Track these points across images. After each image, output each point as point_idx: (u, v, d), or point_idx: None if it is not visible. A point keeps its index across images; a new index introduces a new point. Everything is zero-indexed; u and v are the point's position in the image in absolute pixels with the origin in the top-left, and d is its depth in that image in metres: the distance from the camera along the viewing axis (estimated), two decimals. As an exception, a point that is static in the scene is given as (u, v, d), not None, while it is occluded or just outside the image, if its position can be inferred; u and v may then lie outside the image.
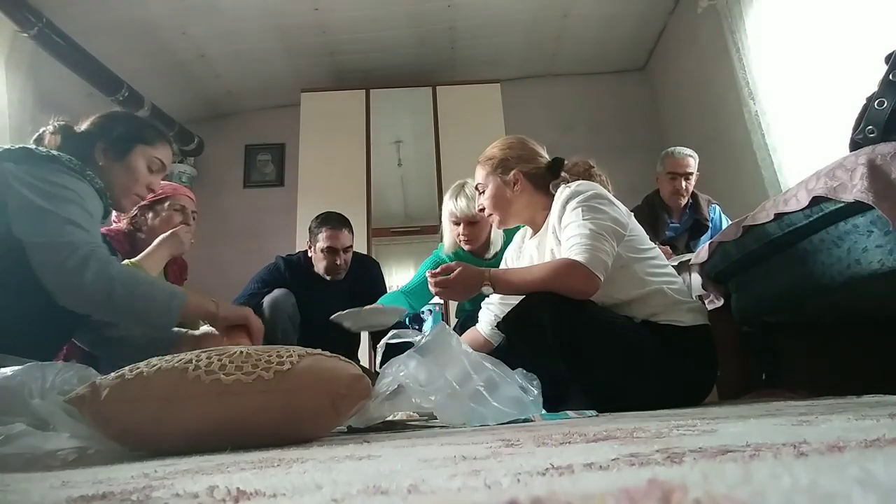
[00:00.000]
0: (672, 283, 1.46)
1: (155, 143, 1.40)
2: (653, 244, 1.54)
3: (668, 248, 2.47)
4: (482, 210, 1.65)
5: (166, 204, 1.88)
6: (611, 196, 1.48)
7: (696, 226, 2.72)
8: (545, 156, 1.62)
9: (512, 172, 1.56)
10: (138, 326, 1.36)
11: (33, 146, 1.22)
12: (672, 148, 2.74)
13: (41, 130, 1.32)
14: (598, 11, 3.75)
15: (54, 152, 1.21)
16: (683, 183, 2.64)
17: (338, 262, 2.30)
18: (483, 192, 1.62)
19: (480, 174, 1.63)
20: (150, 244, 1.79)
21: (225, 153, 4.51)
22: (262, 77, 4.16)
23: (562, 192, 1.48)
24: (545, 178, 1.58)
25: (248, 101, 4.44)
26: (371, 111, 3.92)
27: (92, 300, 1.11)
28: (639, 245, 1.46)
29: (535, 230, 1.61)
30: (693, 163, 2.67)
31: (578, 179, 1.58)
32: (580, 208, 1.39)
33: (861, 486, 0.20)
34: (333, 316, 1.90)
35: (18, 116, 2.96)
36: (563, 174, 1.59)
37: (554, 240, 1.47)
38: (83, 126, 1.36)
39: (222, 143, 4.50)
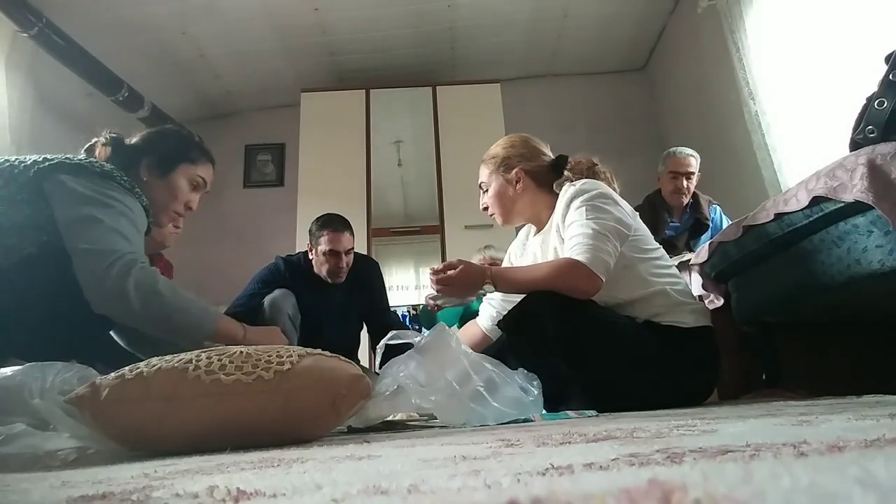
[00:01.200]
0: (675, 283, 1.46)
1: (198, 162, 1.43)
2: (657, 244, 1.53)
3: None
4: (485, 209, 1.65)
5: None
6: (615, 195, 1.47)
7: (697, 225, 2.73)
8: (549, 154, 1.62)
9: (514, 171, 1.56)
10: (168, 338, 1.39)
11: (85, 157, 1.24)
12: (674, 147, 2.75)
13: (93, 141, 1.35)
14: (598, 11, 3.75)
15: (107, 167, 1.23)
16: (685, 182, 2.65)
17: (340, 265, 2.29)
18: (486, 190, 1.63)
19: (484, 172, 1.63)
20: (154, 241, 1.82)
21: (225, 153, 4.49)
22: (262, 77, 4.16)
23: (566, 191, 1.47)
24: (548, 177, 1.58)
25: (248, 101, 4.44)
26: (371, 111, 3.92)
27: (129, 309, 1.14)
28: (643, 245, 1.46)
29: (539, 228, 1.61)
30: (695, 163, 2.68)
31: (582, 178, 1.58)
32: (584, 207, 1.39)
33: (861, 486, 0.20)
34: (428, 294, 2.06)
35: (18, 116, 2.96)
36: (566, 173, 1.59)
37: (558, 238, 1.47)
38: (133, 140, 1.38)
39: (222, 143, 4.48)
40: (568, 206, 1.43)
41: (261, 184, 4.46)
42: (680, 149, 2.73)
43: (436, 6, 3.60)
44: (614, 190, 1.69)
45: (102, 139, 1.34)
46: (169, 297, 1.17)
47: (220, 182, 4.38)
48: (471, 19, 3.75)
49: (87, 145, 1.35)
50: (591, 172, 1.83)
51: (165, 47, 3.68)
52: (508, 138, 1.66)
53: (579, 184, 1.47)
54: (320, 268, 2.31)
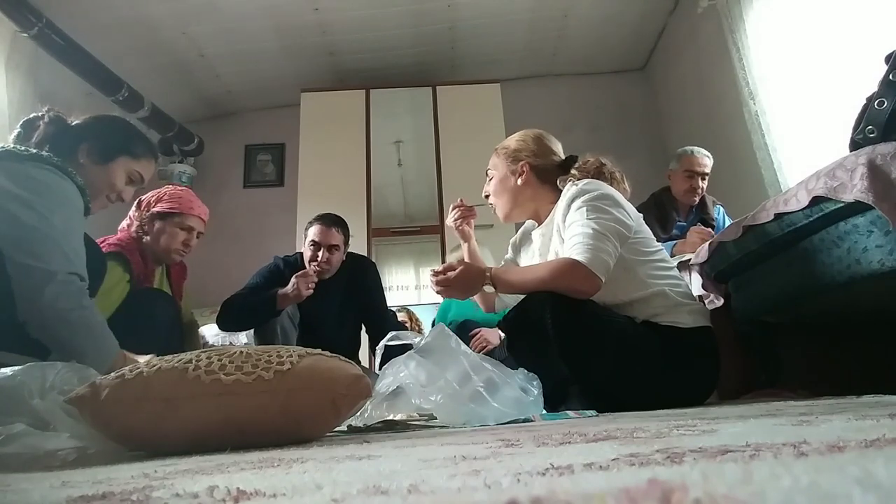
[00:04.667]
0: (676, 285, 1.46)
1: (140, 157, 1.43)
2: (660, 246, 1.53)
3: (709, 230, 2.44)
4: (487, 197, 1.67)
5: (176, 219, 1.88)
6: (617, 196, 1.47)
7: (703, 224, 2.72)
8: (560, 154, 1.63)
9: (520, 164, 1.58)
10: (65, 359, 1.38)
11: (13, 146, 1.23)
12: (690, 147, 2.73)
13: (31, 116, 1.34)
14: (598, 11, 3.75)
15: (34, 150, 1.22)
16: (699, 182, 2.64)
17: (318, 258, 2.23)
18: (491, 178, 1.65)
19: (493, 160, 1.67)
20: (154, 251, 1.85)
21: (225, 153, 4.50)
22: (262, 77, 4.16)
23: (567, 191, 1.48)
24: (553, 174, 1.59)
25: (248, 101, 4.44)
26: (371, 111, 3.92)
27: (45, 329, 1.14)
28: (644, 247, 1.46)
29: (539, 223, 1.62)
30: (709, 163, 2.67)
31: (587, 178, 1.58)
32: (585, 208, 1.39)
33: (861, 486, 0.20)
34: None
35: (18, 116, 2.95)
36: (572, 171, 1.59)
37: (558, 239, 1.47)
38: (76, 121, 1.38)
39: (222, 143, 4.50)
40: (569, 206, 1.44)
41: (261, 184, 4.46)
42: (697, 148, 2.70)
43: (436, 6, 3.60)
44: (624, 191, 1.69)
45: (46, 118, 1.33)
46: (82, 330, 1.17)
47: (220, 182, 4.42)
48: (471, 19, 3.74)
49: (24, 119, 1.34)
50: (597, 173, 1.83)
51: (165, 47, 3.68)
52: (523, 133, 1.67)
53: (581, 184, 1.47)
54: (305, 260, 2.28)
